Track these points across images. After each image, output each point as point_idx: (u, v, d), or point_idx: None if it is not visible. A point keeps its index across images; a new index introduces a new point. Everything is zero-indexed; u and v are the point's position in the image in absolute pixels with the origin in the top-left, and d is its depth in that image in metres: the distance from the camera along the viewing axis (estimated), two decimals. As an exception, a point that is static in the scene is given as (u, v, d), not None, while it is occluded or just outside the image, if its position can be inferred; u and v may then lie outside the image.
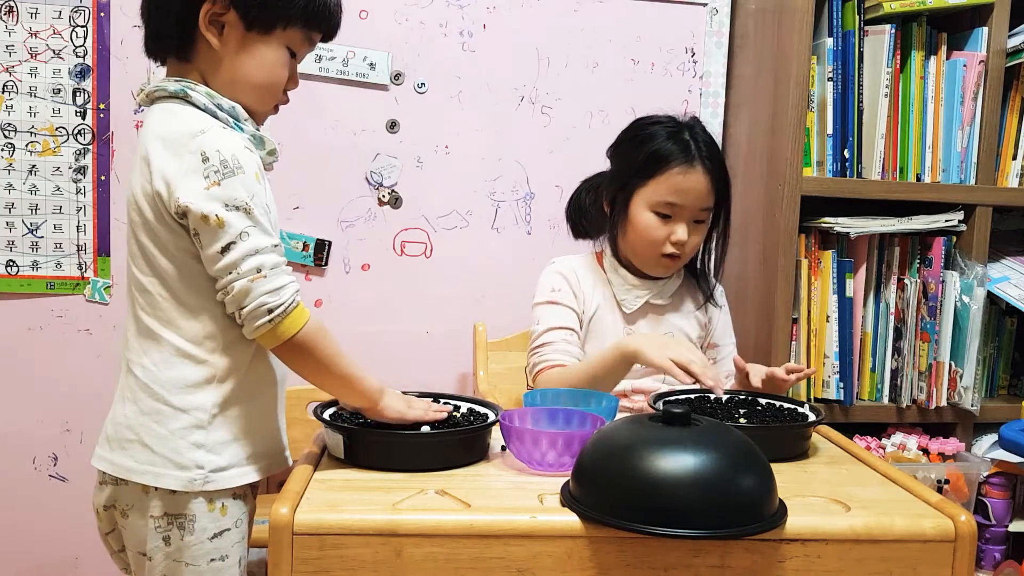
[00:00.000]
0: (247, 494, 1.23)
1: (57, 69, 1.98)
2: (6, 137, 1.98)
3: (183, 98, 1.17)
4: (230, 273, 1.11)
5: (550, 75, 2.17)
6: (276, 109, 1.27)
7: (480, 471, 1.21)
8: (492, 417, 1.27)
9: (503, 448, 1.26)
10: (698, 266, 1.72)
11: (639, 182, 1.63)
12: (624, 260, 1.69)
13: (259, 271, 1.11)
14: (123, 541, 1.22)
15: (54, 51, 1.98)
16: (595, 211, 1.74)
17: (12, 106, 1.97)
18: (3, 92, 1.97)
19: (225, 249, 1.11)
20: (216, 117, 1.17)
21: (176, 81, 1.18)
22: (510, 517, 1.04)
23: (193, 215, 1.10)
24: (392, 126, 2.12)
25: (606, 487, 1.03)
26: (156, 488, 1.16)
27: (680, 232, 1.60)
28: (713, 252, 1.71)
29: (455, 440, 1.22)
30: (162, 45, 1.21)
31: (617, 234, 1.67)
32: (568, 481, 1.10)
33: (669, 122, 1.65)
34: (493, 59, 2.14)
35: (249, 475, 1.21)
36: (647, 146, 1.63)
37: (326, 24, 1.25)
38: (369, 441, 1.21)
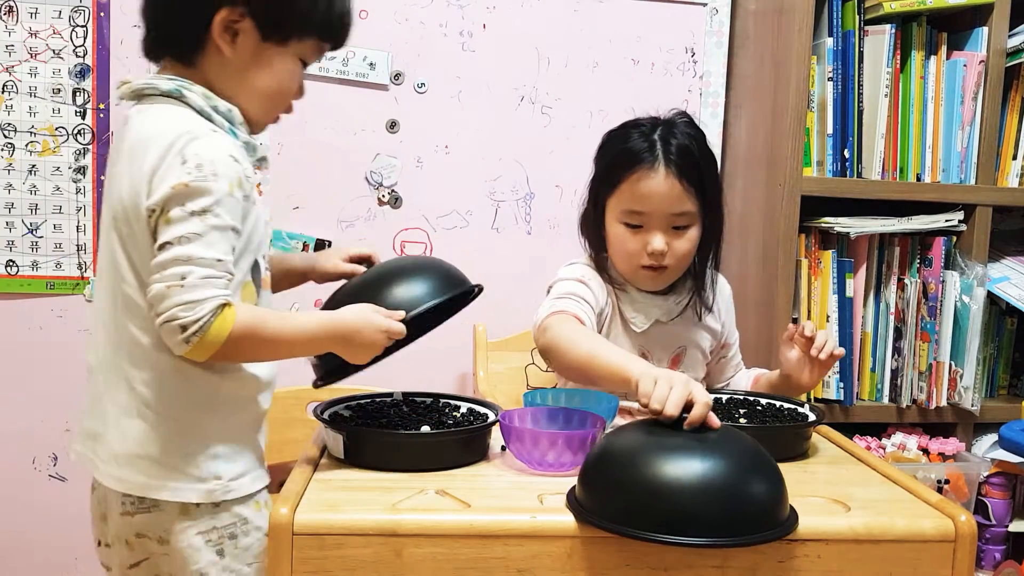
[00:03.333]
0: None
1: (57, 69, 1.98)
2: (6, 137, 1.98)
3: (177, 98, 1.13)
4: (156, 272, 1.06)
5: (550, 75, 2.17)
6: (278, 119, 1.25)
7: (480, 471, 1.21)
8: (492, 417, 1.27)
9: (503, 448, 1.26)
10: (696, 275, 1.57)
11: (606, 191, 1.53)
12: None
13: (181, 279, 1.04)
14: (158, 569, 1.18)
15: (54, 51, 1.98)
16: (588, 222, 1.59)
17: (12, 106, 1.97)
18: (3, 92, 1.97)
19: (162, 247, 1.06)
20: (211, 119, 1.14)
21: (170, 79, 1.14)
22: (510, 517, 1.04)
23: (156, 211, 1.07)
24: (392, 126, 2.12)
25: (613, 494, 1.01)
26: (197, 504, 1.14)
27: (656, 242, 1.47)
28: (710, 259, 1.57)
29: (455, 440, 1.22)
30: (165, 47, 1.18)
31: (607, 251, 1.56)
32: (574, 487, 1.08)
33: (646, 123, 1.52)
34: (493, 59, 2.14)
35: (262, 478, 1.22)
36: (611, 151, 1.53)
37: (340, 35, 1.23)
38: (369, 441, 1.21)
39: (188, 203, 1.06)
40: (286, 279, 1.42)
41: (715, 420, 1.08)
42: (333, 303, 1.27)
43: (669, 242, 1.48)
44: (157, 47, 1.19)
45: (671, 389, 1.10)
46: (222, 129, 1.14)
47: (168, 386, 1.13)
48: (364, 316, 1.17)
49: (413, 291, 1.26)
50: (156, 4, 1.18)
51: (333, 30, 1.21)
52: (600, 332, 1.55)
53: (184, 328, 1.04)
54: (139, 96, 1.16)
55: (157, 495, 1.13)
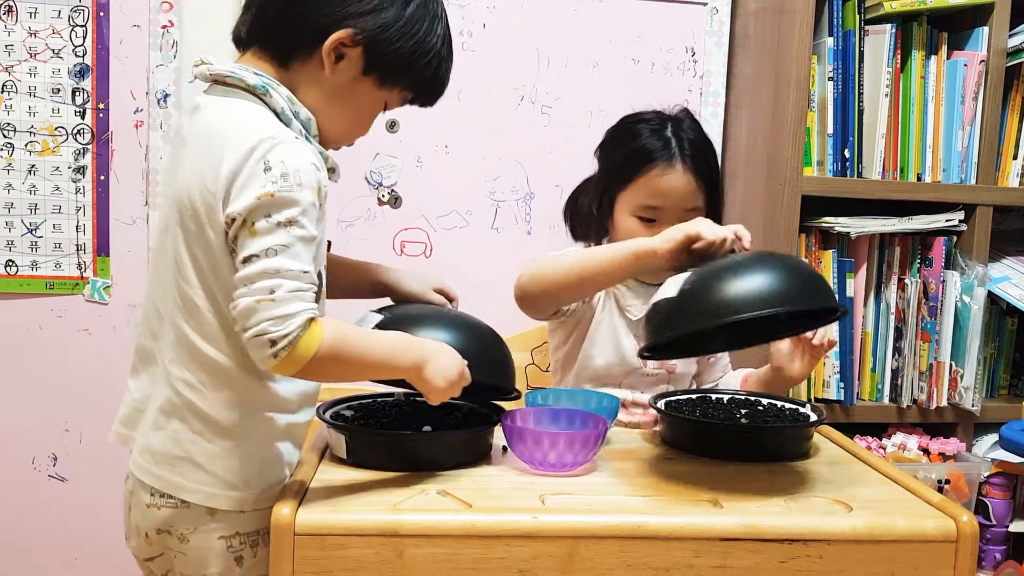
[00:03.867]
0: None
1: (56, 69, 1.98)
2: (5, 137, 1.98)
3: (261, 95, 1.10)
4: (243, 286, 1.02)
5: (550, 75, 2.17)
6: (350, 143, 1.24)
7: (482, 471, 1.21)
8: (494, 417, 1.28)
9: (504, 449, 1.26)
10: None
11: (619, 186, 1.56)
12: None
13: (271, 293, 1.01)
14: (172, 564, 1.17)
15: (53, 51, 1.98)
16: (591, 213, 1.65)
17: (11, 106, 1.97)
18: (2, 92, 1.97)
19: (247, 260, 1.03)
20: (289, 125, 1.11)
21: (257, 75, 1.11)
22: (512, 517, 1.04)
23: (237, 220, 1.04)
24: (392, 126, 2.12)
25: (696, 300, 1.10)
26: (226, 510, 1.12)
27: None
28: None
29: (457, 440, 1.22)
30: (265, 40, 1.14)
31: (609, 239, 1.60)
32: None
33: (655, 119, 1.57)
34: (493, 59, 2.14)
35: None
36: (627, 146, 1.57)
37: (433, 99, 1.23)
38: (371, 441, 1.21)
39: (274, 214, 1.03)
40: (356, 289, 1.39)
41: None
42: (402, 322, 1.24)
43: None
44: (256, 36, 1.15)
45: (702, 225, 1.25)
46: (299, 135, 1.11)
47: (211, 390, 1.11)
48: (445, 348, 1.18)
49: (492, 356, 1.31)
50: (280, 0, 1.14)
51: (429, 92, 1.21)
52: (593, 318, 1.60)
53: (273, 343, 1.01)
54: (217, 82, 1.13)
55: (191, 498, 1.12)
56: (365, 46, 1.13)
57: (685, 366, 1.65)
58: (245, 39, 1.17)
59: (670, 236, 1.28)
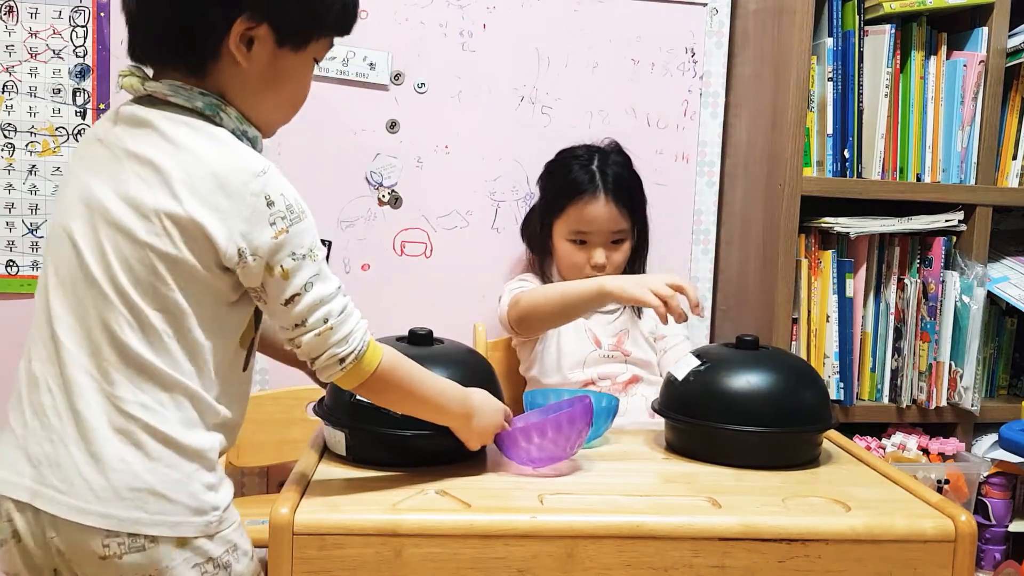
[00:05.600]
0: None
1: (57, 69, 1.98)
2: (6, 137, 1.98)
3: (209, 117, 1.06)
4: (297, 327, 1.06)
5: (550, 75, 2.17)
6: (278, 128, 1.21)
7: (480, 471, 1.21)
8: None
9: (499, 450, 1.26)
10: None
11: (554, 214, 1.83)
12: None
13: (326, 322, 1.06)
14: None
15: (54, 51, 1.98)
16: (535, 235, 1.93)
17: (12, 106, 1.97)
18: (3, 92, 1.97)
19: (289, 301, 1.05)
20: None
21: (202, 95, 1.06)
22: (510, 517, 1.05)
23: (258, 264, 1.03)
24: (392, 126, 2.12)
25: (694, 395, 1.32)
26: (195, 537, 1.04)
27: (597, 256, 1.79)
28: (638, 263, 1.89)
29: (455, 437, 1.22)
30: (170, 55, 1.08)
31: (552, 258, 1.88)
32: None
33: (584, 154, 1.84)
34: (493, 59, 2.14)
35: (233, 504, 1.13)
36: (558, 179, 1.85)
37: (351, 23, 1.18)
38: (369, 438, 1.21)
39: (296, 249, 1.05)
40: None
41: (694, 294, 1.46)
42: None
43: (608, 255, 1.80)
44: (157, 52, 1.09)
45: (654, 282, 1.48)
46: None
47: (171, 410, 1.04)
48: (489, 400, 1.23)
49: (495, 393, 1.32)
50: (158, 6, 1.07)
51: (345, 23, 1.17)
52: (556, 333, 1.85)
53: (343, 360, 1.08)
54: (154, 100, 1.07)
55: (154, 531, 1.01)
56: (268, 21, 1.07)
57: (639, 349, 1.86)
58: (152, 58, 1.10)
59: (646, 296, 1.49)
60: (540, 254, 1.92)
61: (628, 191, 1.82)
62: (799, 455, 1.31)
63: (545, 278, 1.89)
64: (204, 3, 1.05)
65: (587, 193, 1.79)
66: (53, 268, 1.08)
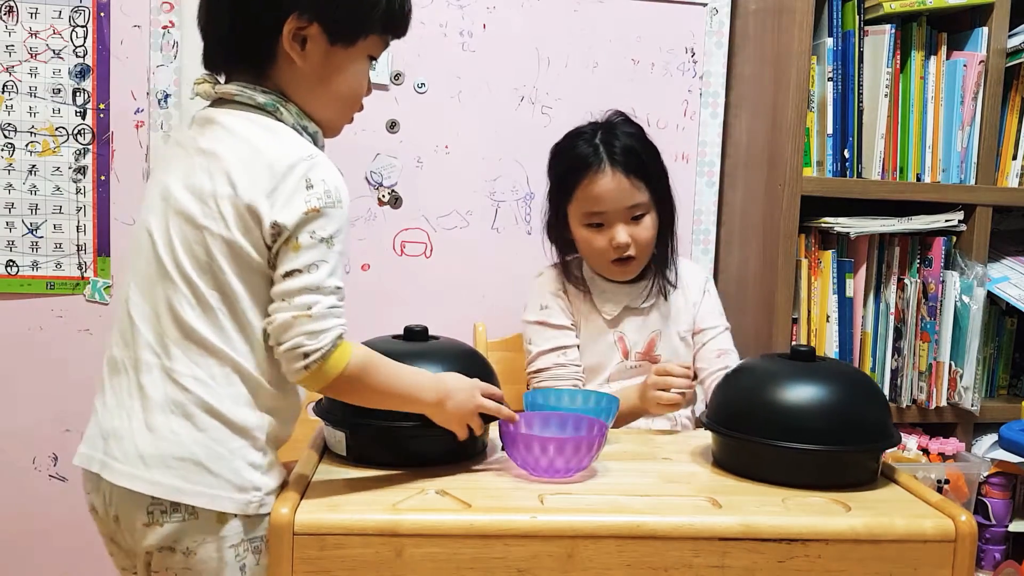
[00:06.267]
0: None
1: (57, 69, 1.98)
2: (6, 137, 1.98)
3: (271, 113, 1.12)
4: (282, 300, 1.06)
5: (550, 75, 2.17)
6: (352, 119, 1.24)
7: (481, 471, 1.21)
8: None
9: (503, 448, 1.26)
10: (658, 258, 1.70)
11: (565, 200, 1.66)
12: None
13: (308, 309, 1.05)
14: None
15: (54, 51, 1.98)
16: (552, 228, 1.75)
17: (12, 106, 1.97)
18: (3, 92, 1.97)
19: (288, 275, 1.06)
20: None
21: (264, 92, 1.13)
22: (510, 517, 1.05)
23: (282, 235, 1.06)
24: (392, 126, 2.12)
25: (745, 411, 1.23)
26: (236, 515, 1.07)
27: (620, 235, 1.61)
28: (668, 242, 1.70)
29: (455, 436, 1.22)
30: (234, 59, 1.16)
31: (577, 250, 1.71)
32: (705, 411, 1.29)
33: (587, 130, 1.66)
34: (493, 59, 2.14)
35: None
36: (563, 160, 1.67)
37: (404, 24, 1.22)
38: (370, 438, 1.21)
39: (317, 230, 1.07)
40: None
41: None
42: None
43: (631, 232, 1.61)
44: (223, 61, 1.17)
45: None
46: None
47: (223, 386, 1.08)
48: (460, 381, 1.20)
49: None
50: (220, 16, 1.15)
51: (397, 21, 1.20)
52: (579, 326, 1.73)
53: (306, 355, 1.06)
54: (224, 100, 1.14)
55: (193, 501, 1.06)
56: (319, 19, 1.12)
57: (672, 353, 1.72)
58: (220, 64, 1.18)
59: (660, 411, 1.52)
60: (563, 250, 1.74)
61: (639, 160, 1.62)
62: (861, 474, 1.23)
63: (571, 276, 1.73)
64: (258, 7, 1.12)
65: (592, 168, 1.60)
66: (133, 261, 1.15)
